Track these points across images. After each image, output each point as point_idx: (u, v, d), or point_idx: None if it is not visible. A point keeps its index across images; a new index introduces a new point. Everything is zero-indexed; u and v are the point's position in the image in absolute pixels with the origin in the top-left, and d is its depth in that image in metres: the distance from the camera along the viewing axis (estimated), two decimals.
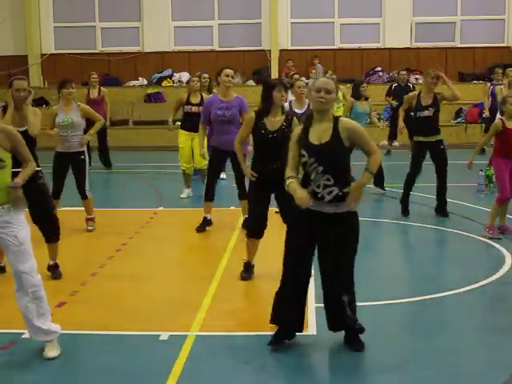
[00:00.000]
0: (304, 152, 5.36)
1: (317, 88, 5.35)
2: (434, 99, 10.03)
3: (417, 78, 20.32)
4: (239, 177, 9.03)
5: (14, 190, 5.35)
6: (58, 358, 5.48)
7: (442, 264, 8.45)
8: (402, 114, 11.07)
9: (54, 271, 7.60)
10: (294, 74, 14.03)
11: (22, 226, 5.51)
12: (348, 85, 13.97)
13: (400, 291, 7.09)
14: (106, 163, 15.59)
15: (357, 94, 11.83)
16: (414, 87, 17.61)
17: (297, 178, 5.49)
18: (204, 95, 11.96)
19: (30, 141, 7.27)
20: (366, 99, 12.01)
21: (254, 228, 7.34)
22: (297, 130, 5.61)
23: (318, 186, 5.32)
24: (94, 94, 15.38)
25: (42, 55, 22.26)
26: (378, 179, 11.83)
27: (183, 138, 11.91)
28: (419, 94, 10.22)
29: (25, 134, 7.27)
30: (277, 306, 5.64)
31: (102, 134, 14.57)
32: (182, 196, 12.04)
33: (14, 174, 5.59)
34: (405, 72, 17.48)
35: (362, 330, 5.61)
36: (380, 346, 5.67)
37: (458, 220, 10.15)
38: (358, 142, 5.39)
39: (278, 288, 5.62)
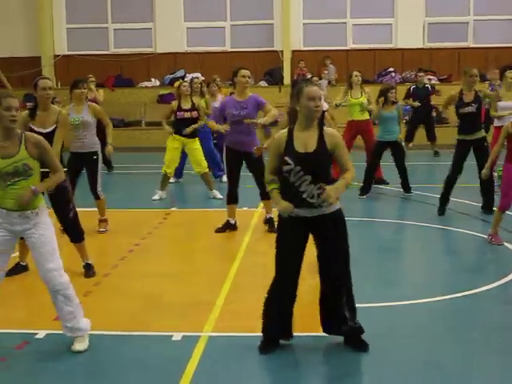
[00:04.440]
0: (289, 160, 5.30)
1: (311, 97, 5.27)
2: (476, 96, 10.12)
3: (429, 79, 20.25)
4: (258, 177, 9.05)
5: (31, 192, 5.39)
6: (69, 358, 5.50)
7: (451, 266, 8.35)
8: (445, 111, 11.25)
9: (88, 271, 7.74)
10: (312, 76, 13.94)
11: (48, 227, 5.59)
12: (365, 86, 13.80)
13: (407, 293, 7.03)
14: (107, 165, 15.30)
15: (384, 99, 11.82)
16: (433, 88, 17.58)
17: (277, 183, 5.48)
18: (195, 99, 12.03)
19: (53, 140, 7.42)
20: (394, 103, 11.95)
21: None
22: (279, 135, 5.50)
23: (313, 197, 5.29)
24: (90, 95, 15.05)
25: (55, 57, 22.34)
26: (404, 182, 11.92)
27: (174, 143, 11.92)
28: (461, 91, 10.24)
29: (51, 134, 7.38)
30: (265, 316, 5.62)
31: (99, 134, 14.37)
32: (155, 198, 12.00)
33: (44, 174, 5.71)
34: (423, 73, 17.35)
35: (362, 330, 5.59)
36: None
37: (471, 221, 10.12)
38: (338, 153, 5.37)
39: (266, 297, 5.61)
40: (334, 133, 5.45)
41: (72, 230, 7.67)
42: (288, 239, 5.45)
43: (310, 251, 5.56)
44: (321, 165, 5.33)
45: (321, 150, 5.30)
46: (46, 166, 5.68)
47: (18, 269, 7.72)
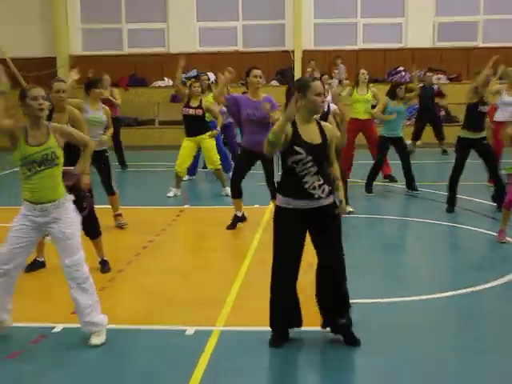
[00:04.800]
0: (301, 150, 5.39)
1: (318, 92, 5.41)
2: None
3: (439, 78, 20.26)
4: (270, 178, 9.13)
5: (73, 176, 5.65)
6: (85, 352, 5.59)
7: (457, 262, 8.41)
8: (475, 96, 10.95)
9: (104, 267, 7.84)
10: (322, 75, 14.03)
11: (71, 221, 5.68)
12: (371, 84, 13.93)
13: (412, 290, 7.10)
14: (121, 163, 15.48)
15: (393, 94, 11.91)
16: (439, 89, 17.63)
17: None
18: (205, 98, 12.14)
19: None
20: (402, 99, 12.04)
21: None
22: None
23: (314, 188, 5.42)
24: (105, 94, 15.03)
25: (70, 57, 22.43)
26: (408, 180, 11.98)
27: (188, 143, 12.04)
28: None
29: None
30: (270, 310, 5.70)
31: (115, 133, 14.48)
32: (169, 195, 12.07)
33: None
34: (431, 74, 17.43)
35: (351, 322, 5.64)
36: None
37: (479, 218, 10.16)
38: (331, 146, 5.60)
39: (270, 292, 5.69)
40: (331, 127, 5.70)
41: (90, 225, 7.69)
42: (287, 230, 5.51)
43: (309, 253, 5.67)
44: (325, 156, 5.53)
45: (325, 143, 5.49)
46: (77, 145, 5.81)
47: (36, 265, 7.83)
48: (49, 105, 5.90)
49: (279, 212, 5.57)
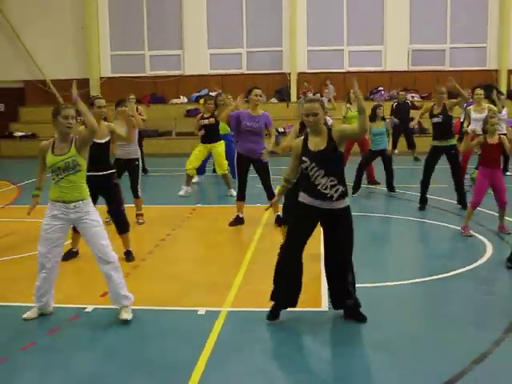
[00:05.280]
0: (305, 158, 5.36)
1: (305, 113, 5.39)
2: (443, 109, 10.23)
3: (413, 96, 20.25)
4: (265, 181, 9.11)
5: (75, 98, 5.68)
6: (113, 329, 5.56)
7: (431, 252, 8.34)
8: (420, 118, 11.42)
9: (128, 257, 7.78)
10: (315, 93, 14.14)
11: (96, 213, 5.75)
12: None
13: (394, 275, 7.03)
14: (142, 169, 15.36)
15: (373, 116, 11.82)
16: (412, 104, 17.61)
17: (287, 184, 5.69)
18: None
19: (107, 148, 7.53)
20: (384, 119, 11.98)
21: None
22: (298, 140, 5.59)
23: (326, 188, 5.31)
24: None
25: (101, 78, 22.42)
26: (389, 183, 11.95)
27: (200, 148, 12.03)
28: (433, 105, 10.44)
29: (105, 144, 7.49)
30: (274, 283, 5.63)
31: (139, 144, 14.40)
32: (181, 193, 11.97)
33: (88, 178, 5.86)
34: (403, 92, 17.43)
35: (359, 304, 5.62)
36: (383, 319, 5.69)
37: (447, 215, 10.10)
38: (346, 134, 5.39)
39: (275, 268, 5.62)
40: (336, 128, 5.47)
41: (122, 222, 7.74)
42: (301, 218, 5.46)
43: (311, 244, 5.60)
44: (330, 160, 5.34)
45: (330, 148, 5.33)
46: (89, 129, 5.66)
47: (71, 254, 7.81)
48: (80, 121, 5.91)
49: (297, 204, 5.51)
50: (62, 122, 5.53)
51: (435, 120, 10.24)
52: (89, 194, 5.77)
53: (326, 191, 5.32)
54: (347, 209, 5.44)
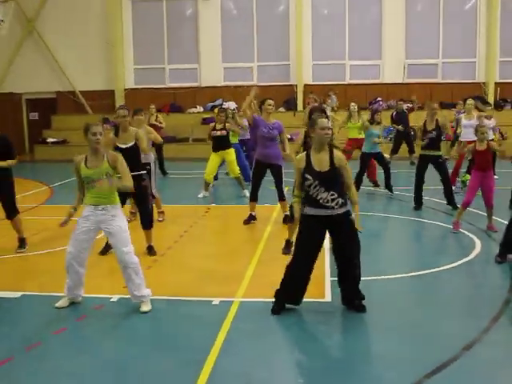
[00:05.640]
0: (309, 176, 5.35)
1: (322, 127, 5.35)
2: (436, 124, 10.14)
3: (408, 107, 20.13)
4: (278, 183, 9.08)
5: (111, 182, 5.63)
6: (137, 317, 5.56)
7: (425, 248, 8.29)
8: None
9: (150, 251, 7.77)
10: (321, 103, 14.28)
11: (123, 218, 5.73)
12: (362, 112, 14.15)
13: (392, 269, 6.99)
14: (162, 171, 15.58)
15: (372, 120, 11.91)
16: (408, 109, 17.68)
17: (299, 198, 5.55)
18: (228, 125, 12.06)
19: (136, 151, 7.58)
20: (379, 123, 11.99)
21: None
22: (300, 157, 5.53)
23: (327, 201, 5.32)
24: (152, 120, 14.96)
25: (125, 89, 22.47)
26: (388, 184, 11.91)
27: (214, 157, 12.00)
28: (425, 122, 10.27)
29: (131, 148, 7.50)
30: (285, 285, 5.57)
31: (159, 148, 14.54)
32: (199, 196, 12.02)
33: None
34: (402, 102, 17.32)
35: (363, 296, 5.61)
36: (382, 310, 5.66)
37: (439, 214, 10.03)
38: (343, 173, 5.40)
39: (288, 268, 5.57)
40: (340, 156, 5.44)
41: (148, 220, 7.73)
42: (309, 232, 5.41)
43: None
44: (332, 180, 5.35)
45: (333, 169, 5.34)
46: (119, 172, 5.76)
47: (109, 246, 7.57)
48: (112, 127, 5.93)
49: (303, 218, 5.48)
50: (91, 138, 5.62)
51: (430, 136, 10.09)
52: (119, 199, 5.77)
53: (328, 204, 5.34)
54: (347, 213, 5.42)
